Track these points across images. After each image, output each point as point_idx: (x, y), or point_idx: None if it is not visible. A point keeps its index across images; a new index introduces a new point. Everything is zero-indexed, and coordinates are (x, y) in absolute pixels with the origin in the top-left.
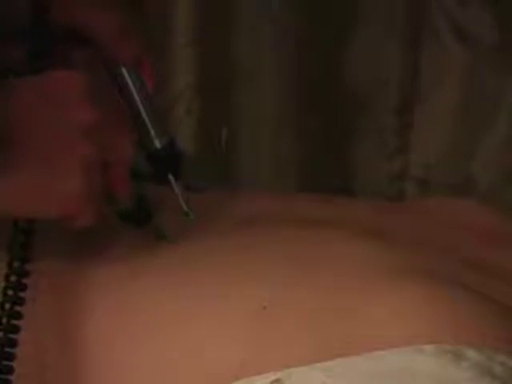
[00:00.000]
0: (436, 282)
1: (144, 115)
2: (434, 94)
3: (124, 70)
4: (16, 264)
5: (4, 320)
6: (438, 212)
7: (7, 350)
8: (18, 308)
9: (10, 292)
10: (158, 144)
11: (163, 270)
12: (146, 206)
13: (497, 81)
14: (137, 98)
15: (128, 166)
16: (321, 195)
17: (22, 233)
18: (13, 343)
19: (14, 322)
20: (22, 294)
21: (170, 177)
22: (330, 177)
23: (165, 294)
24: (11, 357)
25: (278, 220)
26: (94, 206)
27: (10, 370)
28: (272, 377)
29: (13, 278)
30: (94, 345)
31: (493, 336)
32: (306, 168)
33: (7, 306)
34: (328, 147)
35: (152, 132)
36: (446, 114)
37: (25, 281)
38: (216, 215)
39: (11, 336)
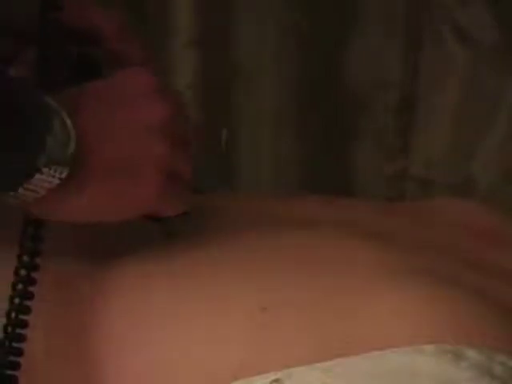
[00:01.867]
0: (436, 282)
1: None
2: (434, 94)
3: None
4: (26, 258)
5: (13, 314)
6: (438, 212)
7: (15, 345)
8: (27, 302)
9: (20, 286)
10: None
11: (165, 269)
12: None
13: (497, 81)
14: None
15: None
16: (321, 195)
17: (32, 227)
18: (21, 338)
19: (23, 316)
20: (31, 289)
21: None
22: (330, 177)
23: (165, 295)
24: (19, 352)
25: (278, 220)
26: (177, 198)
27: (17, 366)
28: (272, 377)
29: (23, 272)
30: (98, 344)
31: (493, 336)
32: (306, 168)
33: (16, 300)
34: (328, 147)
35: None
36: (446, 113)
37: (34, 275)
38: (216, 216)
39: (19, 331)
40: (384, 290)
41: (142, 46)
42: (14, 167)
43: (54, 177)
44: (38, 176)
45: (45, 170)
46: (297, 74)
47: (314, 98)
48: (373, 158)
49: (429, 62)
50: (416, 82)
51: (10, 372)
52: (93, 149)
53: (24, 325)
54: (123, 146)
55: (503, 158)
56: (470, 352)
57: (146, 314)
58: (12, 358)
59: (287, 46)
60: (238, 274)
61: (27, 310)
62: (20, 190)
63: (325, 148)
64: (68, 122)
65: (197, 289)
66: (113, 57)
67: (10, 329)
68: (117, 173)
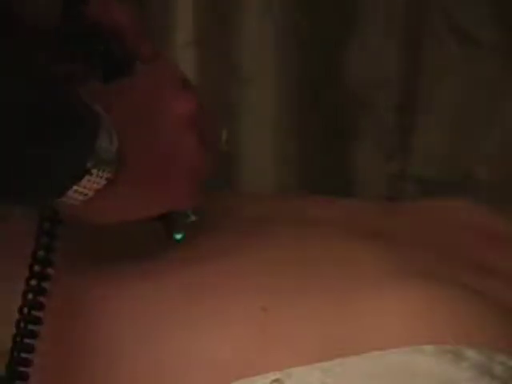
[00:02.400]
0: (436, 282)
1: None
2: (433, 94)
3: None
4: (37, 268)
5: (25, 311)
6: (438, 212)
7: (27, 341)
8: (40, 299)
9: (33, 282)
10: None
11: (165, 270)
12: None
13: (497, 81)
14: None
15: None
16: (321, 195)
17: (46, 226)
18: (33, 335)
19: (36, 313)
20: (45, 285)
21: None
22: (330, 177)
23: (167, 296)
24: (30, 349)
25: (279, 220)
26: (200, 194)
27: (28, 363)
28: (272, 377)
29: (36, 268)
30: (102, 344)
31: (493, 336)
32: (306, 168)
33: (30, 295)
34: (328, 147)
35: None
36: (446, 113)
37: (44, 285)
38: (217, 216)
39: (32, 327)
40: (384, 290)
41: (152, 43)
42: (65, 168)
43: (101, 177)
44: (87, 177)
45: (94, 170)
46: (297, 74)
47: (314, 98)
48: (373, 157)
49: (429, 62)
50: (416, 81)
51: (19, 382)
52: (128, 149)
53: (37, 322)
54: (154, 144)
55: (503, 158)
56: (469, 352)
57: (148, 317)
58: (21, 369)
59: (287, 46)
60: (239, 274)
61: (40, 307)
62: (69, 193)
63: (325, 148)
64: (111, 123)
65: (197, 289)
66: (128, 52)
67: (18, 338)
68: (150, 172)
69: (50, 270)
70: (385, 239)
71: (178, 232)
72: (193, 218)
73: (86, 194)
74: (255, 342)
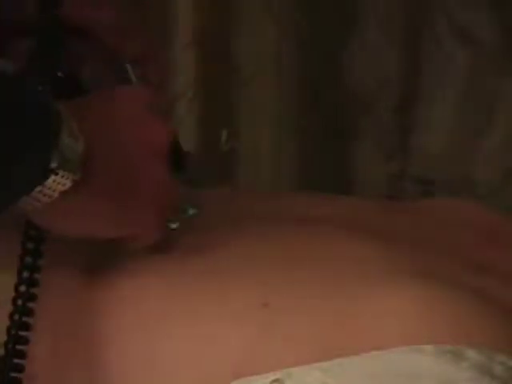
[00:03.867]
0: (436, 281)
1: None
2: (433, 94)
3: (128, 66)
4: (28, 261)
5: (19, 302)
6: (438, 212)
7: (22, 333)
8: (32, 290)
9: (26, 274)
10: None
11: (163, 267)
12: None
13: (496, 81)
14: None
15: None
16: (321, 194)
17: (32, 243)
18: (26, 327)
19: (30, 304)
20: (36, 276)
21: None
22: (330, 177)
23: (164, 293)
24: (25, 341)
25: (278, 218)
26: (162, 228)
27: (23, 355)
28: (272, 377)
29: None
30: (100, 349)
31: (493, 336)
32: (306, 168)
33: (22, 288)
34: (328, 147)
35: None
36: (446, 113)
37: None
38: (216, 214)
39: (26, 319)
40: (384, 289)
41: (146, 43)
42: (29, 168)
43: (67, 178)
44: (52, 177)
45: (59, 171)
46: (297, 74)
47: (314, 98)
48: (373, 157)
49: (429, 62)
50: (416, 81)
51: (13, 374)
52: (95, 158)
53: (30, 313)
54: (121, 164)
55: (503, 158)
56: (470, 352)
57: (145, 315)
58: (16, 361)
59: (287, 46)
60: (239, 271)
61: (30, 312)
62: (34, 193)
63: (325, 148)
64: (74, 125)
65: (197, 286)
66: (111, 53)
67: (13, 331)
68: (116, 189)
69: (41, 262)
70: (385, 238)
71: (174, 221)
72: (191, 211)
73: (50, 196)
74: (255, 342)
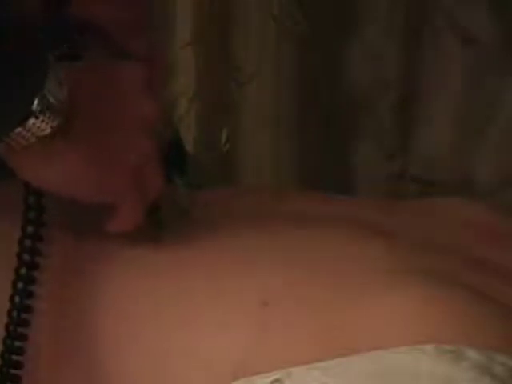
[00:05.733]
0: (436, 281)
1: None
2: (433, 94)
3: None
4: (26, 256)
5: (20, 285)
6: (438, 212)
7: (24, 316)
8: (28, 301)
9: (26, 257)
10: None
11: (162, 269)
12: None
13: (497, 81)
14: None
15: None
16: (321, 194)
17: (32, 226)
18: (28, 310)
19: (30, 287)
20: (38, 259)
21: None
22: (330, 177)
23: (165, 292)
24: (26, 324)
25: (278, 217)
26: (140, 207)
27: (25, 338)
28: (272, 376)
29: (27, 243)
30: (97, 343)
31: (493, 336)
32: (306, 168)
33: (22, 270)
34: (328, 147)
35: None
36: (446, 113)
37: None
38: (215, 214)
39: (27, 302)
40: (384, 289)
41: (150, 45)
42: (11, 105)
43: (47, 123)
44: (32, 120)
45: (40, 115)
46: (297, 74)
47: (314, 98)
48: (373, 157)
49: (429, 62)
50: (416, 81)
51: (12, 371)
52: (81, 116)
53: (25, 324)
54: (111, 129)
55: (503, 158)
56: (470, 352)
57: (145, 312)
58: (14, 357)
59: (287, 46)
60: (239, 270)
61: (28, 309)
62: (12, 135)
63: (325, 148)
64: (61, 73)
65: (196, 286)
66: (118, 50)
67: (11, 328)
68: (99, 151)
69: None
70: (385, 238)
71: (162, 225)
72: (184, 205)
73: (27, 139)
74: (255, 342)
